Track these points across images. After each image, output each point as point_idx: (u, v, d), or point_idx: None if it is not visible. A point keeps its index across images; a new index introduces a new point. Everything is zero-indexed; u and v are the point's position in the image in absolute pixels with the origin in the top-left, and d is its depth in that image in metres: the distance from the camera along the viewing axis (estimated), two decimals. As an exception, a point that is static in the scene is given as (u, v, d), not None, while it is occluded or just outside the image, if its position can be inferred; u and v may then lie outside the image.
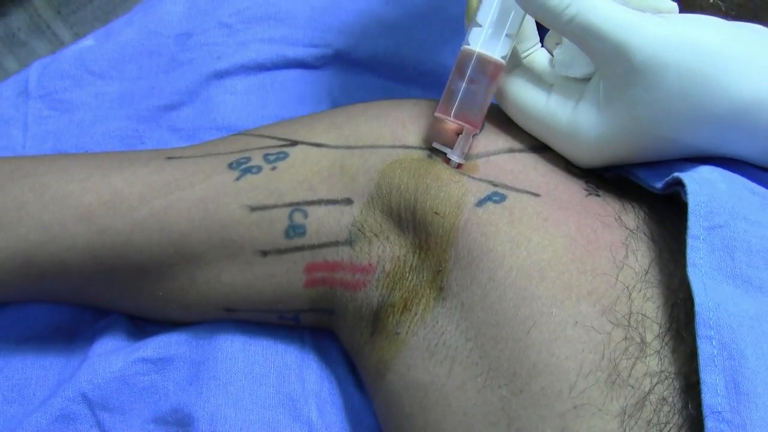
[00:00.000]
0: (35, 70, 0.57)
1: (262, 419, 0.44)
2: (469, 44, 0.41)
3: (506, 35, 0.41)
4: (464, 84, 0.41)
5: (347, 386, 0.47)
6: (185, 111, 0.57)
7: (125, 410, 0.45)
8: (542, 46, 0.44)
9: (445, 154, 0.41)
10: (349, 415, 0.46)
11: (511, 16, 0.40)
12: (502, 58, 0.41)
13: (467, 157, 0.42)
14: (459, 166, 0.41)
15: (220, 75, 0.57)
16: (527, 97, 0.41)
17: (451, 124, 0.42)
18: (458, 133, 0.42)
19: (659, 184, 0.38)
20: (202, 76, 0.57)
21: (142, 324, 0.49)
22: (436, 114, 0.41)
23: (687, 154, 0.39)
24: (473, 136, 0.42)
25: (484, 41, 0.41)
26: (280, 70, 0.57)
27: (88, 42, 0.58)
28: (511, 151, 0.42)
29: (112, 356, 0.45)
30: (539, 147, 0.43)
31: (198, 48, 0.58)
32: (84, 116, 0.56)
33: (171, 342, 0.46)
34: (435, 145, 0.42)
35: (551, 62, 0.43)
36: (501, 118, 0.44)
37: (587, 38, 0.36)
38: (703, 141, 0.37)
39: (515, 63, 0.43)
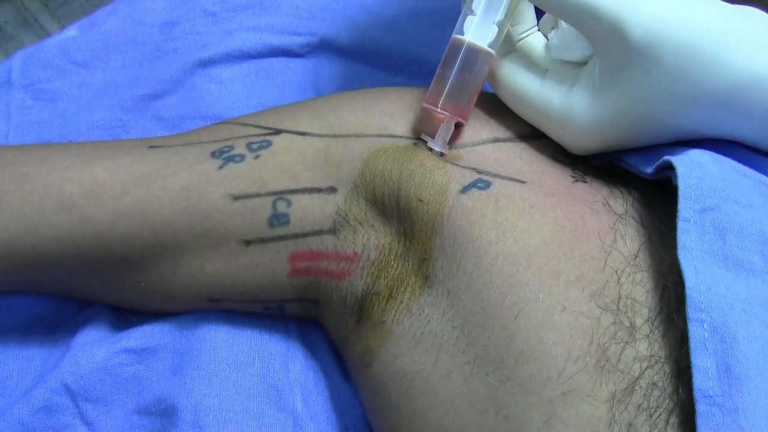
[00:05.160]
0: (18, 60, 0.57)
1: (247, 409, 0.43)
2: (460, 33, 0.40)
3: (496, 24, 0.40)
4: (453, 74, 0.40)
5: (333, 376, 0.46)
6: (170, 100, 0.57)
7: (108, 401, 0.45)
8: (538, 29, 0.43)
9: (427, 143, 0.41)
10: (334, 405, 0.46)
11: (502, 5, 0.40)
12: (491, 47, 0.40)
13: (451, 147, 0.41)
14: (441, 155, 0.41)
15: (205, 64, 0.57)
16: (521, 81, 0.41)
17: (438, 114, 0.41)
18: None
19: (649, 169, 0.37)
20: (187, 65, 0.57)
21: (126, 314, 0.48)
22: (424, 105, 0.41)
23: (681, 137, 0.38)
24: (461, 127, 0.41)
25: (474, 30, 0.40)
26: (265, 59, 0.57)
27: (71, 32, 0.58)
28: (496, 140, 0.42)
29: (95, 347, 0.45)
30: (525, 136, 0.42)
31: (182, 37, 0.58)
32: (67, 106, 0.56)
33: (154, 332, 0.46)
34: (423, 136, 0.41)
35: (547, 46, 0.42)
36: (486, 108, 0.43)
37: (583, 18, 0.35)
38: (699, 122, 0.37)
39: (510, 47, 0.42)
